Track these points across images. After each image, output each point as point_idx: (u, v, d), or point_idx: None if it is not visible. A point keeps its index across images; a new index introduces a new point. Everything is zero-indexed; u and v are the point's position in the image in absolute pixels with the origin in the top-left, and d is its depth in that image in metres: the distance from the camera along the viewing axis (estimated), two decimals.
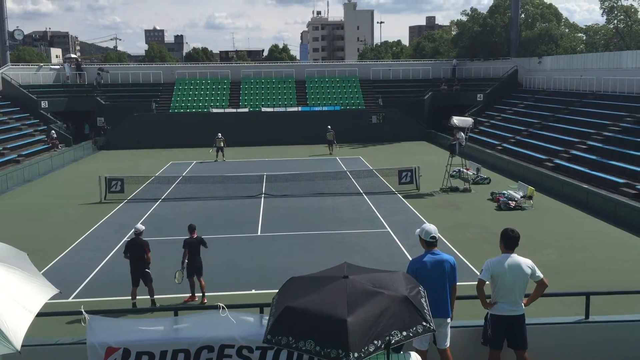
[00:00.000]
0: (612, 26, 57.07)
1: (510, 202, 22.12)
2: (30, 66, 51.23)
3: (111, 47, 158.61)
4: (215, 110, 45.38)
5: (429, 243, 6.89)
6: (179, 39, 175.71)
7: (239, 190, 25.46)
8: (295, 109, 46.36)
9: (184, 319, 5.81)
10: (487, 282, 6.81)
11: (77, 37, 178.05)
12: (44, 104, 43.01)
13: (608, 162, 25.53)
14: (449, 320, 6.71)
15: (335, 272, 4.89)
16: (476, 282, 6.89)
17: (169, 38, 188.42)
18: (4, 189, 27.40)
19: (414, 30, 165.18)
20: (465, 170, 26.70)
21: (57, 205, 23.78)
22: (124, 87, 48.03)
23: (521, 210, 21.74)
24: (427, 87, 48.50)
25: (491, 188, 25.09)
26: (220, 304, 5.62)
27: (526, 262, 6.79)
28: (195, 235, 13.15)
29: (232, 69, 52.60)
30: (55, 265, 16.16)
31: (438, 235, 6.96)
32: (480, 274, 6.85)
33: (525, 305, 6.80)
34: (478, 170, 27.89)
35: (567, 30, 58.72)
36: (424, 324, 4.43)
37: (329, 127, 38.54)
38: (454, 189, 25.30)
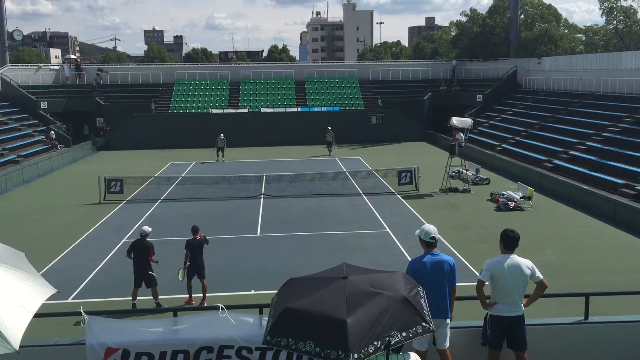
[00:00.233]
0: (611, 27, 57.13)
1: (509, 202, 22.13)
2: (30, 67, 51.23)
3: (110, 47, 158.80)
4: (214, 111, 45.39)
5: (429, 244, 6.89)
6: (179, 39, 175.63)
7: (238, 191, 25.46)
8: (294, 109, 46.38)
9: (184, 320, 5.81)
10: (487, 283, 6.81)
11: (76, 38, 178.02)
12: (43, 104, 43.01)
13: (607, 162, 25.54)
14: (448, 320, 6.71)
15: (335, 272, 4.88)
16: (476, 283, 6.89)
17: (168, 39, 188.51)
18: (3, 189, 27.38)
19: (413, 31, 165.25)
20: (464, 171, 26.71)
21: (56, 206, 23.77)
22: (124, 87, 48.02)
23: (520, 211, 21.75)
24: (426, 88, 48.52)
25: (490, 189, 25.10)
26: (220, 305, 5.61)
27: (526, 263, 6.79)
28: (198, 237, 13.15)
29: (232, 69, 52.62)
30: (54, 266, 16.15)
31: (437, 236, 6.96)
32: (480, 274, 6.85)
33: (524, 306, 6.80)
34: (477, 170, 27.89)
35: (566, 30, 58.76)
36: (424, 324, 4.43)
37: (329, 127, 38.54)
38: (454, 190, 25.30)
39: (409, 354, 4.86)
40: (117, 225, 20.50)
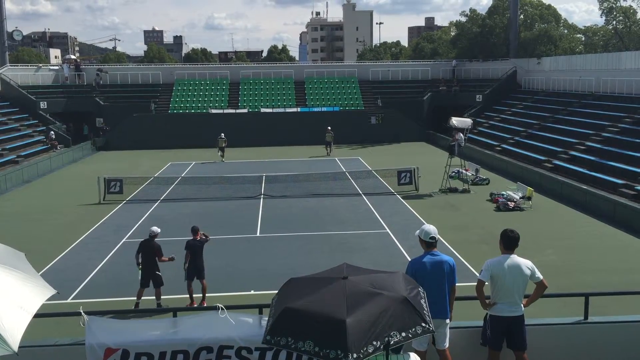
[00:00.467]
0: (611, 27, 57.16)
1: (509, 202, 22.13)
2: (29, 67, 51.23)
3: (110, 47, 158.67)
4: (214, 111, 45.39)
5: (429, 244, 6.89)
6: (178, 39, 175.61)
7: (238, 191, 25.46)
8: (294, 109, 46.38)
9: (183, 320, 5.81)
10: (487, 283, 6.81)
11: (76, 38, 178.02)
12: (43, 104, 43.01)
13: (607, 163, 25.54)
14: (448, 321, 6.71)
15: (335, 273, 4.89)
16: (475, 283, 6.89)
17: (168, 39, 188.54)
18: (3, 189, 27.37)
19: (413, 31, 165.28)
20: (464, 171, 26.71)
21: (56, 206, 23.76)
22: (123, 87, 48.01)
23: (520, 211, 21.75)
24: (426, 88, 48.54)
25: (490, 189, 25.10)
26: (219, 305, 5.61)
27: (526, 263, 6.79)
28: (198, 237, 13.14)
29: (231, 69, 52.63)
30: (54, 266, 16.14)
31: (437, 236, 6.96)
32: (480, 274, 6.85)
33: (524, 306, 6.80)
34: (477, 171, 27.89)
35: (566, 31, 58.80)
36: (423, 324, 4.43)
37: (329, 128, 38.51)
38: (453, 190, 25.30)
39: (408, 354, 4.85)
40: (117, 225, 20.49)
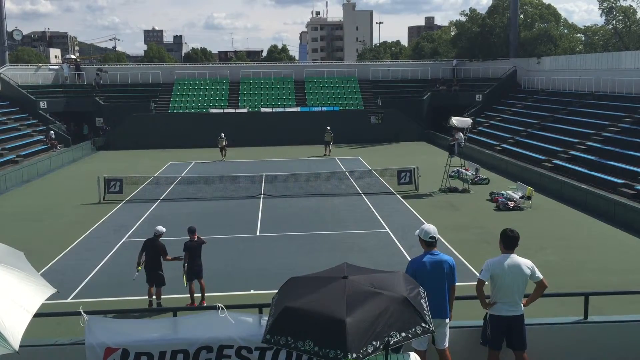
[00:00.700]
0: (610, 27, 57.11)
1: (509, 202, 22.13)
2: (29, 66, 51.21)
3: (110, 47, 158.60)
4: (214, 111, 45.39)
5: (429, 243, 6.89)
6: (178, 39, 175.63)
7: (238, 191, 25.46)
8: (294, 109, 46.38)
9: (183, 320, 5.81)
10: (487, 283, 6.81)
11: (76, 38, 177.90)
12: (43, 104, 43.00)
13: (607, 162, 25.55)
14: (447, 320, 6.71)
15: (335, 272, 4.89)
16: (475, 283, 6.89)
17: (167, 38, 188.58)
18: (3, 189, 27.37)
19: (412, 31, 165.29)
20: (464, 171, 26.71)
21: (56, 206, 23.76)
22: (123, 87, 48.02)
23: (520, 211, 21.75)
24: (426, 88, 48.54)
25: (490, 188, 25.10)
26: (219, 305, 5.61)
27: (526, 263, 6.79)
28: (195, 238, 13.12)
29: (231, 69, 52.63)
30: (53, 265, 16.14)
31: (437, 235, 6.96)
32: (480, 274, 6.86)
33: (524, 306, 6.80)
34: (477, 170, 27.89)
35: (565, 30, 58.77)
36: (423, 325, 4.43)
37: (328, 127, 38.47)
38: (453, 190, 25.30)
39: (408, 354, 4.86)
40: (117, 225, 20.49)
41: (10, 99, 42.41)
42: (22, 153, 34.81)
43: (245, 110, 45.85)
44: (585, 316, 7.09)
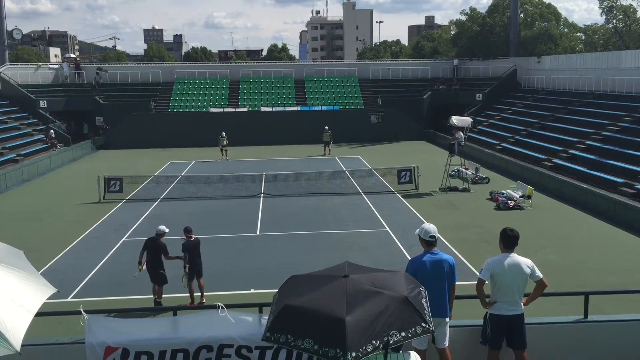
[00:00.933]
0: (611, 26, 57.08)
1: (509, 201, 22.13)
2: (29, 65, 51.17)
3: (110, 46, 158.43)
4: (214, 110, 45.37)
5: (429, 242, 6.89)
6: (178, 38, 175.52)
7: (238, 190, 25.46)
8: (294, 108, 46.36)
9: (183, 319, 5.81)
10: (487, 282, 6.81)
11: (75, 37, 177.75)
12: (43, 103, 42.98)
13: (607, 161, 25.54)
14: (447, 319, 6.71)
15: (336, 271, 4.89)
16: (475, 282, 6.89)
17: (167, 37, 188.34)
18: (3, 188, 27.37)
19: (413, 30, 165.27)
20: (464, 170, 26.72)
21: (56, 205, 23.76)
22: (123, 86, 48.01)
23: (520, 210, 21.75)
24: (426, 87, 48.53)
25: (490, 188, 25.10)
26: (219, 304, 5.62)
27: (526, 262, 6.79)
28: (192, 237, 13.13)
29: (231, 68, 52.61)
30: (53, 265, 16.14)
31: (437, 235, 6.96)
32: (480, 273, 6.86)
33: (524, 305, 6.80)
34: (477, 169, 27.89)
35: (566, 29, 58.74)
36: (423, 324, 4.42)
37: (326, 127, 38.42)
38: (453, 189, 25.30)
39: (409, 353, 4.86)
40: (117, 224, 20.49)
41: (10, 98, 42.39)
42: (22, 152, 34.79)
43: (245, 109, 45.85)
44: (586, 315, 7.09)
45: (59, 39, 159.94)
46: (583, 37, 61.12)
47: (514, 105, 42.73)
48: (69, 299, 13.32)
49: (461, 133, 25.60)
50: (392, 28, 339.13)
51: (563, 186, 24.16)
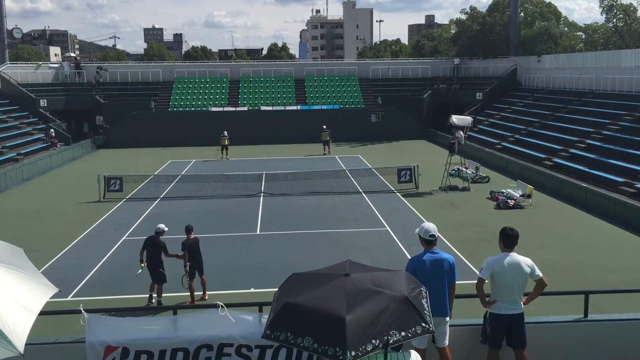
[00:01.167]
0: (611, 25, 57.08)
1: (509, 200, 22.13)
2: (29, 64, 51.16)
3: (110, 45, 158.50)
4: (214, 109, 45.35)
5: (428, 242, 6.88)
6: (178, 37, 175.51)
7: (238, 189, 25.46)
8: (294, 107, 46.33)
9: (183, 318, 5.81)
10: (487, 281, 6.81)
11: (76, 36, 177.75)
12: (43, 102, 42.97)
13: (607, 161, 25.53)
14: (447, 319, 6.71)
15: (337, 269, 4.89)
16: (475, 281, 6.89)
17: (167, 37, 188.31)
18: (3, 187, 27.37)
19: (413, 29, 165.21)
20: (464, 169, 26.71)
21: (56, 204, 23.76)
22: (123, 85, 47.99)
23: (520, 209, 21.74)
24: (426, 86, 48.51)
25: (490, 187, 25.10)
26: (220, 303, 5.62)
27: (525, 261, 6.79)
28: (192, 236, 13.16)
29: (231, 67, 52.58)
30: (54, 264, 16.15)
31: (437, 234, 6.96)
32: (480, 272, 6.86)
33: (524, 304, 6.80)
34: (477, 169, 27.88)
35: (566, 29, 58.74)
36: (423, 324, 4.42)
37: (324, 127, 38.37)
38: (453, 188, 25.30)
39: (409, 352, 4.86)
40: (117, 223, 20.49)
41: (10, 97, 42.39)
42: (22, 151, 34.80)
43: (245, 108, 45.83)
44: (586, 314, 7.09)
45: (59, 38, 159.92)
46: (583, 36, 61.12)
47: (514, 105, 42.72)
48: (69, 298, 13.32)
49: (461, 132, 25.60)
50: (392, 27, 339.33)
51: (563, 185, 24.16)
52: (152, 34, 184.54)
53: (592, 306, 7.19)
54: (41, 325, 4.35)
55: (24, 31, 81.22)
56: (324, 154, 37.47)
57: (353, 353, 4.05)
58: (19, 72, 45.77)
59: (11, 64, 48.02)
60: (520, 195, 22.45)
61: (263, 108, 45.77)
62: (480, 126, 40.58)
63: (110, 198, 24.33)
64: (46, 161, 33.77)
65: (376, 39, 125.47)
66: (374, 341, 4.16)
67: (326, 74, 51.06)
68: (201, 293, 13.26)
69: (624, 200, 20.54)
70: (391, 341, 4.21)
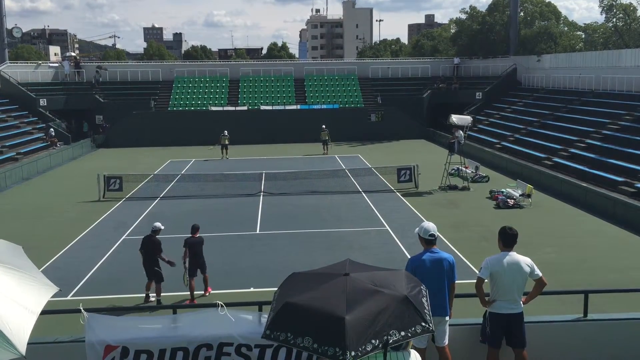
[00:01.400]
0: (611, 24, 57.10)
1: (508, 200, 22.13)
2: (29, 64, 51.15)
3: (110, 45, 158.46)
4: (214, 109, 45.33)
5: (428, 241, 6.89)
6: (178, 37, 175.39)
7: (237, 189, 25.45)
8: (294, 107, 46.31)
9: (183, 317, 5.82)
10: (486, 280, 6.81)
11: (75, 35, 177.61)
12: (43, 101, 42.95)
13: (607, 160, 25.53)
14: (447, 318, 6.71)
15: (337, 269, 4.88)
16: (475, 280, 6.89)
17: (167, 36, 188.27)
18: (3, 187, 27.36)
19: (412, 29, 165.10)
20: (464, 169, 26.70)
21: (56, 204, 23.76)
22: (123, 85, 47.96)
23: (520, 209, 21.75)
24: (426, 86, 48.50)
25: (490, 186, 25.10)
26: (219, 302, 5.62)
27: (525, 261, 6.79)
28: (197, 235, 13.19)
29: (231, 67, 52.57)
30: (53, 263, 16.15)
31: (437, 233, 6.96)
32: (479, 272, 6.86)
33: (523, 304, 6.81)
34: (477, 168, 27.88)
35: (566, 28, 58.78)
36: (423, 324, 4.41)
37: (323, 126, 38.35)
38: (453, 187, 25.31)
39: (408, 352, 4.85)
40: (117, 222, 20.49)
41: (10, 97, 42.39)
42: (22, 151, 34.77)
43: (245, 108, 45.83)
44: (585, 314, 7.10)
45: (59, 37, 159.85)
46: (583, 36, 61.15)
47: (514, 104, 42.71)
48: (68, 298, 13.32)
49: (461, 132, 25.60)
50: (392, 27, 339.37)
51: (563, 185, 24.16)
52: (152, 34, 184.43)
53: (591, 306, 7.19)
54: (41, 325, 4.35)
55: (24, 30, 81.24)
56: (324, 153, 37.45)
57: (353, 353, 4.04)
58: (19, 72, 45.75)
59: (11, 63, 48.03)
60: (520, 195, 22.45)
61: (263, 107, 45.75)
62: (480, 126, 40.57)
63: (110, 197, 24.33)
64: (46, 160, 33.76)
65: (376, 38, 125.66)
66: (373, 341, 4.16)
67: (326, 74, 51.05)
68: (202, 292, 13.26)
69: (623, 199, 20.54)
70: (391, 341, 4.21)
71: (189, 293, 13.19)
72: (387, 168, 27.44)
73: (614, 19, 56.38)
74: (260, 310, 6.07)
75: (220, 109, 45.38)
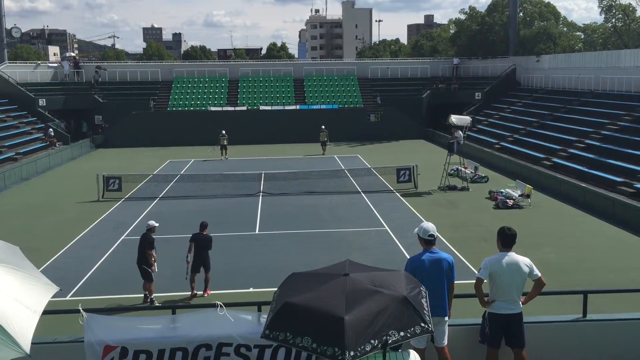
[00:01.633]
0: (610, 25, 57.13)
1: (508, 200, 22.14)
2: (28, 64, 51.12)
3: (109, 45, 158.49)
4: (213, 109, 45.32)
5: (427, 241, 6.89)
6: (177, 37, 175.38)
7: (237, 189, 25.45)
8: (293, 107, 46.31)
9: (182, 318, 5.82)
10: (485, 281, 6.81)
11: (74, 35, 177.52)
12: (42, 102, 42.92)
13: (606, 160, 25.55)
14: (446, 318, 6.71)
15: (337, 269, 4.88)
16: (474, 281, 6.89)
17: (167, 36, 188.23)
18: (1, 187, 27.34)
19: (412, 29, 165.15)
20: (463, 169, 26.72)
21: (55, 204, 23.74)
22: (122, 85, 47.94)
23: (519, 209, 21.76)
24: (425, 86, 48.51)
25: (489, 186, 25.11)
26: (218, 303, 5.61)
27: (524, 261, 6.79)
28: (205, 232, 13.24)
29: (230, 67, 52.57)
30: (52, 263, 16.14)
31: (436, 233, 6.96)
32: (478, 272, 6.86)
33: (523, 304, 6.80)
34: (476, 168, 27.89)
35: (565, 28, 58.82)
36: (422, 324, 4.41)
37: (323, 127, 38.35)
38: (452, 188, 25.31)
39: (408, 352, 4.85)
40: (116, 222, 20.48)
41: (9, 97, 42.35)
42: (21, 151, 34.74)
43: (244, 108, 45.81)
44: (584, 314, 7.10)
45: (58, 37, 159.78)
46: (582, 36, 61.19)
47: (513, 104, 42.73)
48: (68, 298, 13.31)
49: (460, 132, 25.60)
50: (392, 27, 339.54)
51: (562, 185, 24.17)
52: (151, 34, 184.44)
53: (590, 306, 7.19)
54: (40, 325, 4.35)
55: (23, 30, 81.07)
56: (323, 154, 37.45)
57: (352, 353, 4.04)
58: (18, 72, 45.72)
59: (10, 63, 48.01)
60: (519, 195, 22.46)
61: (262, 108, 45.74)
62: (479, 126, 40.58)
63: (109, 197, 24.32)
64: (45, 161, 33.75)
65: (375, 38, 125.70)
66: (372, 341, 4.16)
67: (325, 74, 51.05)
68: (201, 292, 13.26)
69: (622, 200, 20.55)
70: (390, 341, 4.21)
71: (189, 293, 13.19)
72: (386, 168, 27.45)
73: (613, 20, 56.41)
74: (259, 310, 6.07)
75: (220, 109, 45.38)
